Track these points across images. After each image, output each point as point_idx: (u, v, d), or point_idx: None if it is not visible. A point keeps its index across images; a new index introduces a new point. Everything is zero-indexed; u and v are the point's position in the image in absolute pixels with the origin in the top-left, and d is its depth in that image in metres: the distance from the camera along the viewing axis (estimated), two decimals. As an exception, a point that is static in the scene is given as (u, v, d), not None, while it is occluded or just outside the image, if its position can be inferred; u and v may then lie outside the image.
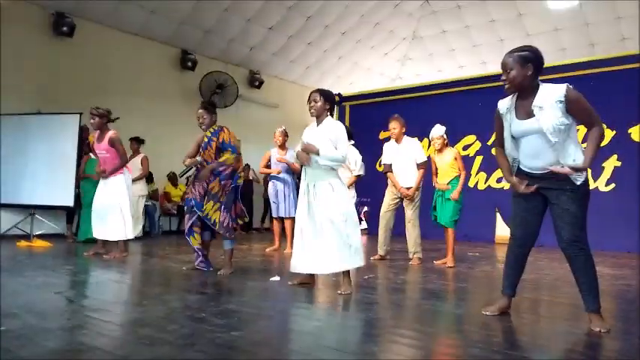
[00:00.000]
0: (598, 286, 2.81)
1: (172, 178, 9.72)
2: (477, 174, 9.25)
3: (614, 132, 8.04)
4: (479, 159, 9.11)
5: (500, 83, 2.90)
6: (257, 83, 11.58)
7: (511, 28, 11.02)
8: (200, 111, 4.61)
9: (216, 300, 3.38)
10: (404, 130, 5.91)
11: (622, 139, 7.96)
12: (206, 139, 4.58)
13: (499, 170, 8.46)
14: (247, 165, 11.19)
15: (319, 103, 3.86)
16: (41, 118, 7.61)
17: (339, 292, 3.71)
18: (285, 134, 6.66)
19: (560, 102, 2.69)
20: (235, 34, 10.29)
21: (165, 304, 3.19)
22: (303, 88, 12.90)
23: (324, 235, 3.69)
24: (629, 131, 7.92)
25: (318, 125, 3.91)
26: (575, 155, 2.73)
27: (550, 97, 2.72)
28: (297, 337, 2.65)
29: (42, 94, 7.99)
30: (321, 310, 3.37)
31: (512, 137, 2.91)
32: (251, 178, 11.20)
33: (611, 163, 8.01)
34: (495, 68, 10.84)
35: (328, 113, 3.91)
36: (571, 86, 2.73)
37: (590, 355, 2.47)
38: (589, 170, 2.77)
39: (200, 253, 4.65)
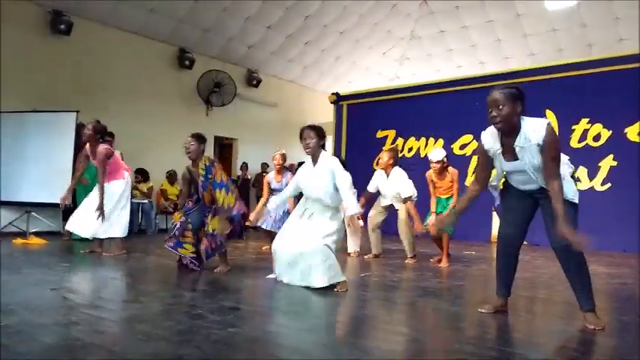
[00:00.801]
0: (591, 285, 2.82)
1: (171, 177, 9.71)
2: (473, 173, 9.27)
3: (611, 132, 8.06)
4: (475, 158, 9.13)
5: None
6: (255, 82, 11.57)
7: (509, 28, 11.05)
8: (188, 138, 4.58)
9: (212, 297, 3.39)
10: (392, 162, 5.91)
11: (618, 139, 7.98)
12: (202, 179, 4.50)
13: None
14: (245, 164, 11.20)
15: (314, 140, 3.89)
16: (38, 116, 7.59)
17: (335, 289, 3.72)
18: (284, 158, 6.59)
19: (539, 145, 2.74)
20: (234, 33, 10.29)
21: (161, 301, 3.20)
22: (302, 87, 12.92)
23: (309, 251, 3.76)
24: (626, 131, 7.94)
25: (315, 164, 3.96)
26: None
27: (530, 138, 2.75)
28: (293, 334, 2.66)
29: (39, 92, 7.97)
30: (317, 307, 3.38)
31: (504, 171, 3.01)
32: (248, 177, 11.20)
33: (607, 163, 8.03)
34: (493, 68, 10.92)
35: (322, 149, 3.97)
36: (551, 123, 2.76)
37: (584, 352, 2.49)
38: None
39: (191, 259, 4.60)
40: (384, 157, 5.95)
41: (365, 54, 12.56)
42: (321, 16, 10.61)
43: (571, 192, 2.83)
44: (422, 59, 12.96)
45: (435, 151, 5.68)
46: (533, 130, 2.74)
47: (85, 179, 6.57)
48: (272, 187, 6.53)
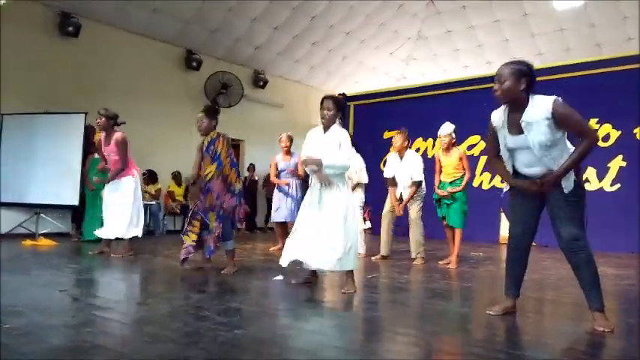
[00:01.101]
0: (600, 285, 2.80)
1: (177, 177, 9.76)
2: (481, 174, 9.24)
3: (620, 132, 8.01)
4: (483, 159, 9.09)
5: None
6: (262, 83, 11.59)
7: (516, 28, 11.01)
8: (199, 115, 4.63)
9: (219, 298, 3.39)
10: (406, 145, 5.92)
11: (627, 139, 7.93)
12: (205, 148, 4.59)
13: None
14: (252, 165, 11.22)
15: (332, 112, 3.86)
16: (46, 118, 7.64)
17: (342, 291, 3.71)
18: (291, 139, 6.64)
19: (548, 119, 2.73)
20: (240, 33, 10.32)
21: (168, 303, 3.21)
22: (308, 87, 12.92)
23: (323, 235, 3.69)
24: (635, 131, 7.89)
25: (325, 132, 3.91)
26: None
27: (538, 113, 2.75)
28: (300, 336, 2.66)
29: (47, 94, 8.02)
30: (324, 308, 3.38)
31: (507, 149, 2.95)
32: (255, 178, 11.22)
33: (617, 164, 7.98)
34: (500, 68, 10.85)
35: (337, 120, 3.93)
36: (559, 100, 2.74)
37: (593, 354, 2.47)
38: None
39: (191, 248, 4.59)
40: (399, 139, 5.91)
41: (371, 54, 12.54)
42: (328, 16, 10.62)
43: (570, 186, 2.81)
44: (429, 59, 12.93)
45: (445, 125, 5.67)
46: (541, 105, 2.75)
47: (91, 184, 6.62)
48: (279, 167, 6.59)
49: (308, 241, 3.77)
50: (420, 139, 10.08)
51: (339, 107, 3.91)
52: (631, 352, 2.47)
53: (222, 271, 4.50)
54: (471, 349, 2.40)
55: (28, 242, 6.57)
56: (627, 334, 2.81)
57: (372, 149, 10.33)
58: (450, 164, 5.60)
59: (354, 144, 4.11)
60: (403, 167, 5.88)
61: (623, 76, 7.93)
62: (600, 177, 8.01)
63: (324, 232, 3.71)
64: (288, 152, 6.63)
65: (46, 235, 7.16)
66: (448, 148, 5.62)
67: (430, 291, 4.06)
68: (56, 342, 2.29)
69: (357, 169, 6.15)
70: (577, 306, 3.28)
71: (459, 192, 5.51)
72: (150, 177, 9.17)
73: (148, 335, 2.44)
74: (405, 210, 5.96)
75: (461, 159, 5.58)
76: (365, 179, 6.30)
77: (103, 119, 5.53)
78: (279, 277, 4.27)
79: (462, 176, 5.57)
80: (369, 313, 3.25)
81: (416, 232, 5.84)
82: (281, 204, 6.52)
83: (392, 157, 6.03)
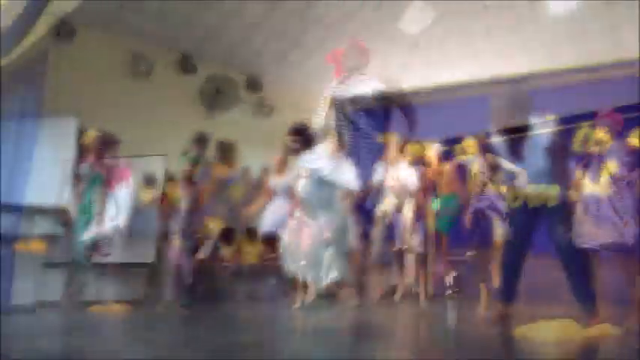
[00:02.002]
0: (595, 292, 2.80)
1: (172, 182, 9.69)
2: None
3: (613, 137, 8.03)
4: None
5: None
6: (257, 88, 11.59)
7: (510, 33, 11.04)
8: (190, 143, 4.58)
9: (212, 305, 3.38)
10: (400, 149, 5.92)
11: (620, 145, 7.95)
12: (198, 177, 4.54)
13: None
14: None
15: (294, 146, 3.91)
16: (39, 121, 7.60)
17: (337, 299, 3.70)
18: (285, 161, 6.10)
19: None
20: (236, 38, 10.32)
21: (162, 307, 3.19)
22: (304, 93, 12.90)
23: (316, 247, 3.69)
24: (628, 137, 7.90)
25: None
26: None
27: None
28: (292, 342, 2.65)
29: (39, 99, 7.97)
30: (317, 316, 3.36)
31: None
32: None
33: (609, 169, 7.99)
34: (494, 74, 10.88)
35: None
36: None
37: (587, 361, 2.47)
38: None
39: None
40: (391, 145, 5.89)
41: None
42: (323, 22, 10.64)
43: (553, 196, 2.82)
44: (423, 65, 12.94)
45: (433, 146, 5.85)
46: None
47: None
48: (274, 185, 6.42)
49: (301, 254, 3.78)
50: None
51: (299, 136, 3.91)
52: (626, 358, 2.47)
53: (216, 277, 4.47)
54: (463, 355, 2.40)
55: (20, 246, 6.50)
56: (622, 340, 2.81)
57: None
58: (442, 180, 5.63)
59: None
60: (395, 174, 5.72)
61: (617, 82, 7.96)
62: (593, 182, 8.02)
63: (313, 243, 3.71)
64: (282, 170, 5.92)
65: (38, 238, 7.09)
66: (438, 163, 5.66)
67: (423, 298, 4.05)
68: (48, 345, 2.27)
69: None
70: (571, 312, 3.28)
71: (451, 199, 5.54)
72: (146, 182, 9.10)
73: (141, 339, 2.42)
74: None
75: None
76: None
77: (94, 144, 5.44)
78: (273, 284, 4.25)
79: (454, 192, 5.60)
80: (360, 319, 3.23)
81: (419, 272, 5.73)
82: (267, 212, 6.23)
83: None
